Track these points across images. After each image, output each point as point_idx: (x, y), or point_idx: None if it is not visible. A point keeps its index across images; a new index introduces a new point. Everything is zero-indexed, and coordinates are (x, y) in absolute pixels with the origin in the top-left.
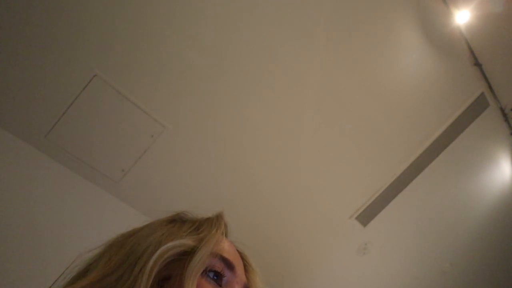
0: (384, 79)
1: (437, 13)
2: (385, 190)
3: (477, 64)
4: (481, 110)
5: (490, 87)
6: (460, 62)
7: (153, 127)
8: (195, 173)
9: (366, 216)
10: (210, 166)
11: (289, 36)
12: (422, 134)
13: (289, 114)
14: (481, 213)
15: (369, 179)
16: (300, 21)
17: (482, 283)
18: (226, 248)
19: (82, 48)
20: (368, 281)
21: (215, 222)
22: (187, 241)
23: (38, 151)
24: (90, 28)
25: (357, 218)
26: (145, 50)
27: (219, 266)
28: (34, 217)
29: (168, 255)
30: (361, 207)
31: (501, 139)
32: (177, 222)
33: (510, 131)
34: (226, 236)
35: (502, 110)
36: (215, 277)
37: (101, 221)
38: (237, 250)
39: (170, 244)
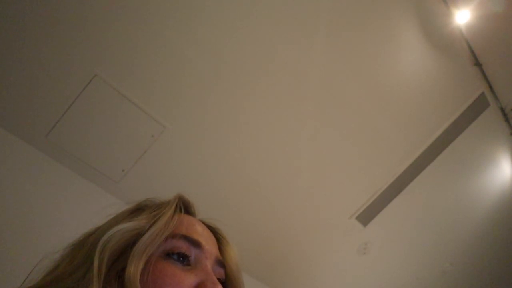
0: (384, 79)
1: (437, 13)
2: (385, 190)
3: (477, 64)
4: (481, 110)
5: (490, 87)
6: (460, 62)
7: (153, 127)
8: (195, 173)
9: (366, 216)
10: (210, 166)
11: (289, 37)
12: (422, 134)
13: (289, 113)
14: (481, 213)
15: (369, 179)
16: (300, 21)
17: (482, 283)
18: (190, 227)
19: (82, 48)
20: (368, 281)
21: (171, 202)
22: (138, 222)
23: (38, 151)
24: (90, 28)
25: (357, 218)
26: (145, 50)
27: (182, 246)
28: (34, 217)
29: (119, 240)
30: (361, 207)
31: (501, 139)
32: (139, 210)
33: (510, 131)
34: (193, 215)
35: (503, 110)
36: (180, 258)
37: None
38: (209, 226)
39: (117, 227)
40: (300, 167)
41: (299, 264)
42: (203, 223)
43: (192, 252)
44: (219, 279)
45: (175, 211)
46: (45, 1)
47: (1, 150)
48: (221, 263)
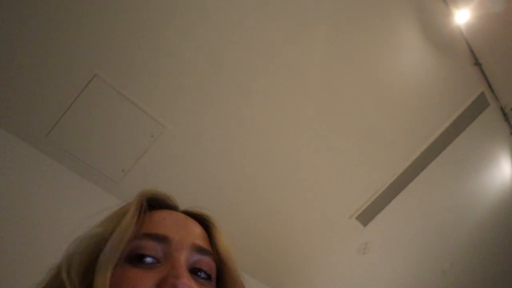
0: (384, 78)
1: (437, 13)
2: (385, 190)
3: (477, 63)
4: (481, 110)
5: (490, 86)
6: (460, 62)
7: (153, 127)
8: (195, 173)
9: (366, 216)
10: (210, 166)
11: (289, 37)
12: (422, 133)
13: (289, 113)
14: (481, 213)
15: (369, 179)
16: (300, 21)
17: (482, 282)
18: (156, 222)
19: (82, 48)
20: (368, 281)
21: (132, 202)
22: (100, 229)
23: (38, 151)
24: (90, 28)
25: (357, 218)
26: (145, 50)
27: (145, 245)
28: (34, 217)
29: (83, 252)
30: (361, 207)
31: (501, 139)
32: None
33: (510, 131)
34: (172, 208)
35: (502, 109)
36: (145, 259)
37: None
38: (195, 213)
39: (79, 238)
40: (300, 166)
41: (299, 264)
42: (187, 212)
43: (159, 248)
44: (201, 269)
45: (139, 211)
46: (45, 1)
47: (1, 150)
48: (203, 250)
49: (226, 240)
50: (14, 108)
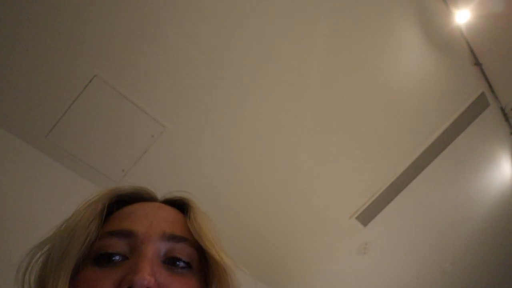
0: (384, 79)
1: (437, 13)
2: (385, 190)
3: (477, 63)
4: (481, 110)
5: (490, 86)
6: (460, 62)
7: (153, 127)
8: (195, 173)
9: (366, 216)
10: (210, 166)
11: (289, 36)
12: (422, 134)
13: (289, 113)
14: (481, 213)
15: (369, 179)
16: (300, 20)
17: (482, 282)
18: (122, 218)
19: (82, 48)
20: (368, 281)
21: (88, 204)
22: (46, 238)
23: (38, 151)
24: (90, 28)
25: (357, 218)
26: (145, 50)
27: (108, 244)
28: (34, 217)
29: (34, 266)
30: (361, 207)
31: (502, 139)
32: None
33: (511, 131)
34: (148, 200)
35: (503, 109)
36: (107, 258)
37: None
38: (173, 199)
39: (30, 250)
40: (300, 166)
41: (299, 264)
42: (166, 201)
43: (125, 244)
44: (177, 257)
45: (101, 212)
46: (45, 1)
47: (1, 150)
48: (175, 237)
49: (202, 219)
50: (14, 108)
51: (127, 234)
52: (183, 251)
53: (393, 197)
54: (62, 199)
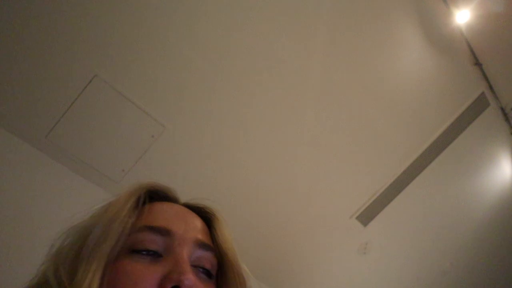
0: (385, 79)
1: (437, 13)
2: (385, 190)
3: (478, 63)
4: (481, 110)
5: (490, 86)
6: (460, 62)
7: (153, 127)
8: (195, 173)
9: (366, 216)
10: (210, 166)
11: (289, 37)
12: (423, 134)
13: (289, 113)
14: (481, 213)
15: (370, 179)
16: (301, 21)
17: (482, 283)
18: (157, 214)
19: (82, 48)
20: (368, 281)
21: (128, 194)
22: (90, 221)
23: (38, 151)
24: (90, 29)
25: (357, 218)
26: (145, 50)
27: (145, 238)
28: (34, 217)
29: (73, 245)
30: (361, 207)
31: (502, 139)
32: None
33: (511, 131)
34: (173, 200)
35: (503, 109)
36: (144, 252)
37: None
38: (196, 206)
39: (68, 230)
40: (300, 166)
41: (299, 264)
42: (187, 205)
43: (160, 242)
44: (202, 266)
45: (137, 203)
46: (45, 1)
47: (1, 150)
48: (205, 245)
49: (228, 233)
50: (14, 108)
51: (165, 233)
52: (208, 260)
53: (393, 197)
54: (62, 199)
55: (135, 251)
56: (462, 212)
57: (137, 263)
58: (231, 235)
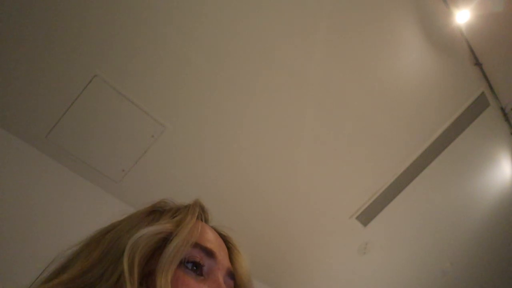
0: (384, 79)
1: (437, 13)
2: (385, 189)
3: (478, 63)
4: (481, 110)
5: (490, 86)
6: (460, 62)
7: (153, 127)
8: (195, 173)
9: (366, 216)
10: (210, 166)
11: (289, 37)
12: (423, 133)
13: (289, 114)
14: (481, 213)
15: (370, 179)
16: (300, 21)
17: (482, 282)
18: (205, 235)
19: (82, 48)
20: (368, 281)
21: (190, 208)
22: (164, 225)
23: (38, 151)
24: (90, 29)
25: (357, 218)
26: (145, 50)
27: (197, 255)
28: (34, 217)
29: (146, 245)
30: (361, 207)
31: (502, 139)
32: (157, 213)
33: (511, 131)
34: (206, 222)
35: (503, 109)
36: (194, 268)
37: (102, 221)
38: (221, 233)
39: (144, 230)
40: (300, 167)
41: (299, 264)
42: (215, 230)
43: (206, 262)
44: None
45: (197, 218)
46: (45, 1)
47: (1, 150)
48: (232, 275)
49: (248, 266)
50: (14, 108)
51: (211, 255)
52: (231, 286)
53: (393, 197)
54: (62, 199)
55: (184, 263)
56: (462, 212)
57: (189, 277)
58: (249, 266)
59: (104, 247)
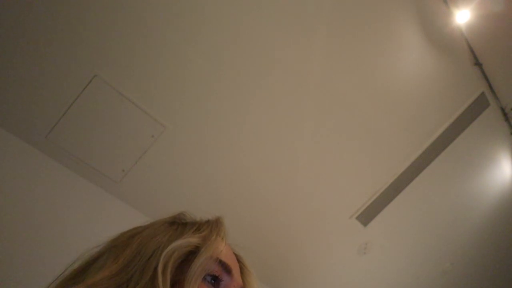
0: (384, 79)
1: (437, 13)
2: (385, 189)
3: (478, 63)
4: (481, 110)
5: (490, 86)
6: (460, 62)
7: (153, 127)
8: (195, 173)
9: (366, 216)
10: (210, 166)
11: (289, 37)
12: (423, 133)
13: (289, 114)
14: (481, 213)
15: (370, 179)
16: (300, 21)
17: (482, 282)
18: (224, 252)
19: (82, 48)
20: (368, 281)
21: (215, 226)
22: (192, 239)
23: (38, 151)
24: (90, 29)
25: (357, 218)
26: (145, 50)
27: (217, 270)
28: (34, 217)
29: (177, 255)
30: (361, 207)
31: (502, 139)
32: (179, 224)
33: (511, 131)
34: (223, 239)
35: (503, 109)
36: (213, 281)
37: (102, 221)
38: (234, 253)
39: (177, 242)
40: (300, 167)
41: (299, 264)
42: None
43: (224, 278)
44: None
45: (221, 238)
46: (45, 1)
47: (1, 150)
48: None
49: (256, 285)
50: (14, 108)
51: (229, 272)
52: None
53: (393, 197)
54: (62, 199)
55: (209, 277)
56: (462, 212)
57: None
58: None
59: (132, 251)
